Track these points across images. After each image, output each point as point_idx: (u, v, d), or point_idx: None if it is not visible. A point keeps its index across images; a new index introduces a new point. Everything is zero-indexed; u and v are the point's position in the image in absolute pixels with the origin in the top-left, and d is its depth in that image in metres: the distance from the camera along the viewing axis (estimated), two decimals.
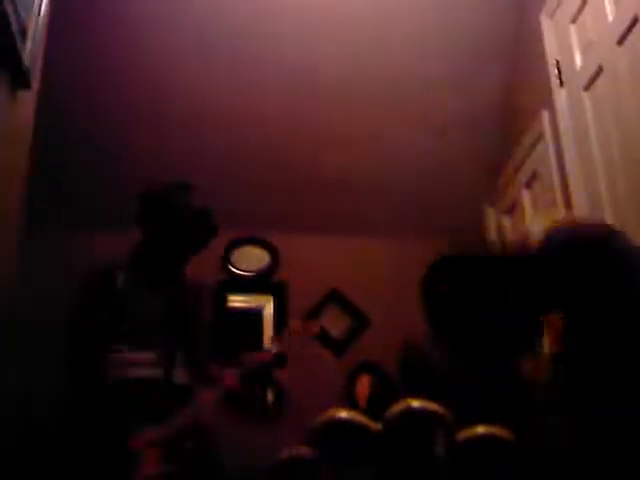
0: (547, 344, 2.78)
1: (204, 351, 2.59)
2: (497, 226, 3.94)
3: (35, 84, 2.39)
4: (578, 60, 2.86)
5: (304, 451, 1.81)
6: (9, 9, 1.91)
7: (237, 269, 4.25)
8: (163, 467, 2.17)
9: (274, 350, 2.57)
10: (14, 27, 1.97)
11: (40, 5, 2.35)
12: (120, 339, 2.39)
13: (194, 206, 2.57)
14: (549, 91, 3.07)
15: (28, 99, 2.35)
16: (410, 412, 1.87)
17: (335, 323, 4.20)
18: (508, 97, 3.71)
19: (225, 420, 3.79)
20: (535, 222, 3.20)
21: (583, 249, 1.59)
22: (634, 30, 2.38)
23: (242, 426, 3.83)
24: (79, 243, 3.81)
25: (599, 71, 2.65)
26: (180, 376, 2.44)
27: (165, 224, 2.52)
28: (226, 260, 4.23)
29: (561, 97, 2.99)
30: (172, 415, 2.28)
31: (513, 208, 3.69)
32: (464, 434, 1.82)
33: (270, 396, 4.00)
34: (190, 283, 2.64)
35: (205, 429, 2.40)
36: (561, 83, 2.99)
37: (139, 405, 2.28)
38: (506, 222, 3.81)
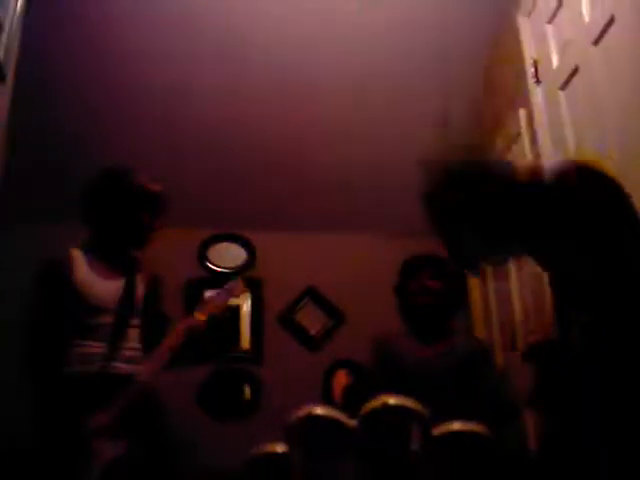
0: None
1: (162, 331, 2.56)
2: None
3: (10, 78, 2.37)
4: (555, 60, 2.88)
5: (277, 447, 1.82)
6: None
7: (214, 265, 4.23)
8: (116, 448, 2.16)
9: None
10: None
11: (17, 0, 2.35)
12: (78, 330, 2.36)
13: (144, 184, 2.54)
14: (526, 90, 3.10)
15: (3, 92, 2.32)
16: (386, 408, 1.88)
17: (312, 320, 4.21)
18: (486, 96, 3.73)
19: (199, 417, 3.79)
20: None
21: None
22: (610, 31, 2.39)
23: (217, 423, 3.83)
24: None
25: (575, 71, 2.67)
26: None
27: (114, 201, 2.47)
28: (202, 257, 4.22)
29: (537, 95, 3.02)
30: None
31: None
32: (440, 430, 1.84)
33: (247, 392, 4.00)
34: (146, 271, 2.61)
35: (153, 396, 2.38)
36: (538, 82, 3.02)
37: (95, 398, 2.26)
38: None
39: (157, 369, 2.37)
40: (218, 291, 2.59)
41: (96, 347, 2.34)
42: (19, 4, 2.37)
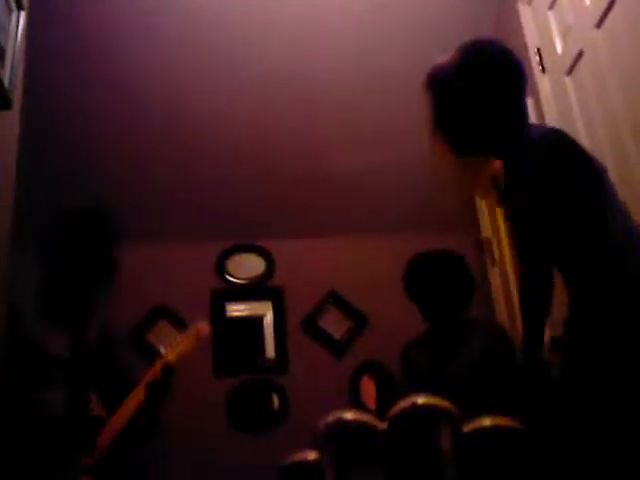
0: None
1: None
2: (490, 216, 3.94)
3: (17, 104, 2.38)
4: (559, 46, 2.86)
5: (309, 455, 1.81)
6: None
7: (233, 277, 4.24)
8: None
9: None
10: None
11: (17, 26, 2.36)
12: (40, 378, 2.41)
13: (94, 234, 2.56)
14: (532, 78, 3.07)
15: (10, 119, 2.34)
16: (415, 409, 1.87)
17: (336, 325, 4.19)
18: None
19: (228, 431, 3.79)
20: None
21: None
22: (611, 12, 2.38)
23: (246, 435, 3.82)
24: None
25: (580, 55, 2.65)
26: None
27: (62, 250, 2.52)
28: (221, 269, 4.22)
29: (544, 84, 2.99)
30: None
31: None
32: (470, 426, 1.82)
33: (274, 402, 4.00)
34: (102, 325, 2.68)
35: None
36: (543, 70, 2.99)
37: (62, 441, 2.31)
38: (499, 211, 3.81)
39: (133, 409, 2.46)
40: (184, 332, 2.72)
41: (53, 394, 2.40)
42: (20, 28, 2.37)
